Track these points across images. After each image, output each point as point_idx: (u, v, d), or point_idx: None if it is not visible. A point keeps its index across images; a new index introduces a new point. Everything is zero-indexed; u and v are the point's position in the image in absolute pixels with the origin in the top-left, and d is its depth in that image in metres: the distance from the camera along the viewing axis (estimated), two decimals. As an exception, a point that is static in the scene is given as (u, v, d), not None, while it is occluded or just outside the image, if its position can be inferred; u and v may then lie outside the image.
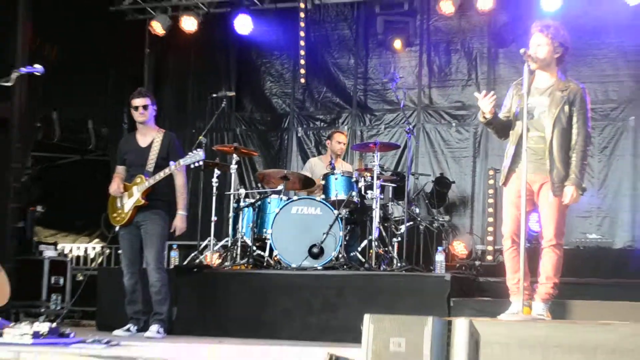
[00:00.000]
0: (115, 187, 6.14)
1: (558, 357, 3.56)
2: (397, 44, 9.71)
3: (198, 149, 6.05)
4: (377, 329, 3.39)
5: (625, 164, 8.88)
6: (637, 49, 9.03)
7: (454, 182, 9.37)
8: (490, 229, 8.84)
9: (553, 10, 8.39)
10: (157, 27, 9.79)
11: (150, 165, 6.06)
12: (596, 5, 8.67)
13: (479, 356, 3.35)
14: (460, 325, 3.34)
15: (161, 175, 5.98)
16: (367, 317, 3.46)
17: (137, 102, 6.04)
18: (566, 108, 4.55)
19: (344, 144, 8.27)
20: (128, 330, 6.13)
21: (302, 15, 9.55)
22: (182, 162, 5.97)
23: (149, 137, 6.17)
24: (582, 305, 5.54)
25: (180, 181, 6.12)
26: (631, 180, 8.85)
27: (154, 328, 6.00)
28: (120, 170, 6.27)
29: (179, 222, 6.13)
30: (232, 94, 9.29)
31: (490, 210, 9.01)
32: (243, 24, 9.58)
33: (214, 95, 8.47)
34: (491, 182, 8.97)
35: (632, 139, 8.87)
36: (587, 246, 8.59)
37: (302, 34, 9.71)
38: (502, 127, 4.87)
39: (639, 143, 8.91)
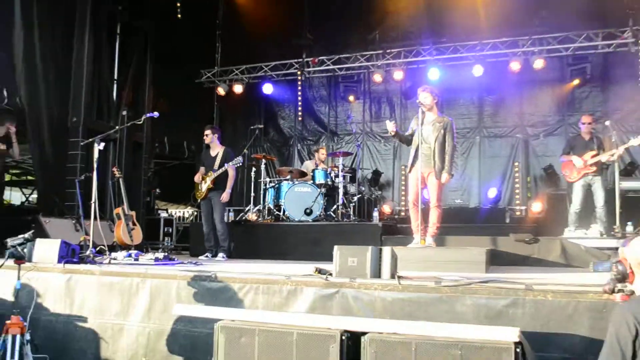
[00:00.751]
0: (198, 177, 7.86)
1: (440, 266, 5.39)
2: (352, 98, 13.22)
3: (239, 157, 7.64)
4: (341, 254, 4.48)
5: (474, 162, 12.63)
6: (478, 99, 12.77)
7: (382, 172, 12.59)
8: (403, 197, 12.10)
9: (434, 79, 11.61)
10: (221, 90, 12.67)
11: (216, 166, 7.73)
12: (457, 76, 11.98)
13: (397, 267, 4.46)
14: (386, 251, 4.41)
15: (220, 171, 7.64)
16: (336, 248, 4.52)
17: (205, 132, 7.93)
18: (442, 131, 6.34)
19: (324, 154, 10.47)
20: (206, 256, 7.64)
21: (299, 82, 12.63)
22: (231, 164, 7.62)
23: (216, 150, 7.85)
24: (453, 239, 7.20)
25: (230, 174, 7.71)
26: (477, 170, 12.54)
27: (220, 255, 7.59)
28: (201, 169, 7.94)
29: (226, 195, 7.70)
30: (261, 126, 11.48)
31: (402, 187, 12.15)
32: (267, 88, 12.62)
33: (252, 127, 10.95)
34: (403, 172, 12.00)
35: (477, 149, 12.64)
36: (455, 206, 11.94)
37: (299, 92, 12.83)
38: (405, 140, 6.59)
39: (481, 152, 12.63)
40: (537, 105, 12.55)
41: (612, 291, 3.10)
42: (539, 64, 11.19)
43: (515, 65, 11.28)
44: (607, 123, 8.11)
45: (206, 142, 7.94)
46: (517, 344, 3.17)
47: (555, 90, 12.40)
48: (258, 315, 3.92)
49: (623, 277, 2.99)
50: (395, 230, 8.59)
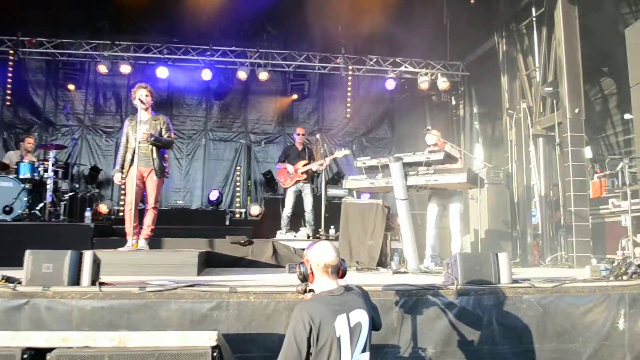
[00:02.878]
0: None
1: (151, 270, 5.17)
2: (72, 87, 12.09)
3: None
4: (34, 259, 4.05)
5: (199, 164, 12.74)
6: (206, 102, 12.95)
7: (102, 169, 11.84)
8: (122, 197, 11.05)
9: (163, 77, 11.38)
10: None
11: None
12: (186, 77, 11.87)
13: (99, 272, 4.20)
14: (87, 255, 4.10)
15: None
16: (27, 252, 4.09)
17: None
18: (159, 129, 6.31)
19: (31, 144, 9.38)
20: None
21: (10, 63, 11.04)
22: None
23: None
24: (170, 241, 7.04)
25: None
26: (201, 172, 12.63)
27: None
28: None
29: None
30: None
31: (123, 186, 12.29)
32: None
33: None
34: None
35: (202, 152, 12.75)
36: (176, 207, 11.65)
37: (10, 74, 11.14)
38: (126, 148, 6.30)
39: (206, 154, 12.76)
40: (261, 114, 13.25)
41: (305, 291, 3.29)
42: (263, 75, 11.72)
43: (242, 75, 11.66)
44: (318, 136, 8.85)
45: None
46: (214, 347, 3.18)
47: (277, 102, 13.23)
48: None
49: (304, 277, 3.20)
50: (111, 231, 8.12)
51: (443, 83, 11.81)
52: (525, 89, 9.61)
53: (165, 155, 6.50)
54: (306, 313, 2.93)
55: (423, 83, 11.87)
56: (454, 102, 12.76)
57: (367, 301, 3.15)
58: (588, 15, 8.50)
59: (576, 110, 8.12)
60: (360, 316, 3.00)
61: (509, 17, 10.07)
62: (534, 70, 9.43)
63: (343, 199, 7.56)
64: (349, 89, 12.59)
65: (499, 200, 8.50)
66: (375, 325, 3.15)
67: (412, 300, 4.23)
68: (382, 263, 6.67)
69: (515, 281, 4.57)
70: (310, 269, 3.15)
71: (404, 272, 5.85)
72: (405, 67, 12.06)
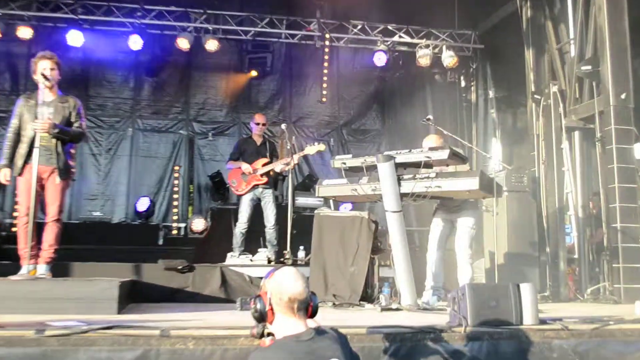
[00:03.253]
0: None
1: (56, 307, 5.11)
2: None
3: None
4: None
5: (123, 162, 12.64)
6: (134, 80, 12.99)
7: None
8: (17, 206, 9.74)
9: (76, 45, 11.27)
10: None
11: None
12: (108, 46, 11.91)
13: None
14: None
15: None
16: None
17: None
18: (67, 116, 6.33)
19: None
20: None
21: None
22: None
23: None
24: (82, 266, 7.15)
25: None
26: (127, 173, 12.55)
27: None
28: None
29: None
30: None
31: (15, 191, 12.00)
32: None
33: None
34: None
35: (129, 146, 12.68)
36: (92, 220, 11.54)
37: None
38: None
39: (134, 150, 12.73)
40: (208, 96, 13.30)
41: (262, 335, 3.24)
42: (212, 45, 11.68)
43: (183, 43, 11.58)
44: (283, 126, 8.85)
45: None
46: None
47: (230, 81, 13.26)
48: None
49: (261, 316, 3.13)
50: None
51: (449, 58, 11.88)
52: (556, 67, 9.68)
53: (72, 151, 6.50)
54: None
55: (423, 58, 11.91)
56: (463, 84, 12.85)
57: (345, 348, 3.09)
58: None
59: (622, 96, 8.17)
60: None
61: (536, -27, 10.13)
62: (567, 43, 9.51)
63: (316, 211, 7.51)
64: (326, 64, 12.53)
65: (522, 214, 8.54)
66: None
67: (407, 347, 4.18)
68: (367, 297, 6.68)
69: (543, 321, 4.56)
70: (270, 304, 3.08)
71: (397, 309, 5.86)
72: (400, 36, 12.14)
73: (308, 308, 3.13)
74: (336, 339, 3.09)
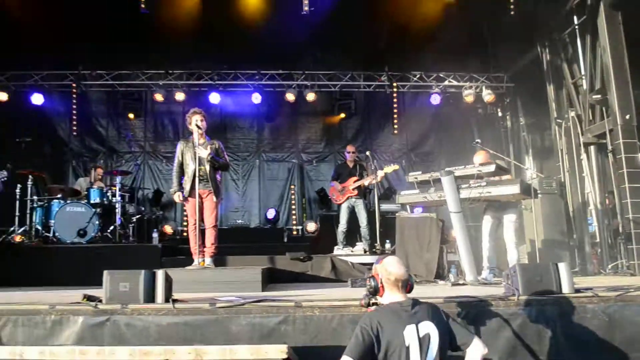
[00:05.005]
0: None
1: (218, 287, 5.39)
2: (132, 115, 12.49)
3: (3, 171, 7.24)
4: (112, 279, 4.23)
5: (254, 184, 12.90)
6: (257, 124, 13.19)
7: (165, 192, 12.03)
8: (185, 218, 10.55)
9: (216, 102, 11.67)
10: None
11: None
12: (237, 101, 12.31)
13: (172, 290, 4.31)
14: (160, 274, 4.25)
15: None
16: (105, 272, 4.27)
17: None
18: (214, 153, 6.42)
19: (100, 173, 9.87)
20: None
21: (74, 95, 11.61)
22: None
23: None
24: (233, 259, 7.35)
25: None
26: (257, 192, 12.80)
27: None
28: None
29: None
30: (30, 139, 9.72)
31: (185, 208, 10.27)
32: (37, 99, 11.13)
33: (18, 139, 9.33)
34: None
35: (257, 172, 12.93)
36: (236, 226, 11.92)
37: (74, 106, 11.75)
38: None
39: (261, 175, 12.94)
40: (310, 133, 13.36)
41: (368, 305, 3.32)
42: (311, 96, 11.82)
43: (290, 96, 11.81)
44: (368, 153, 8.87)
45: None
46: (285, 360, 3.19)
47: (326, 121, 13.30)
48: (11, 351, 3.37)
49: (375, 291, 3.21)
50: (177, 251, 8.37)
51: (488, 95, 11.65)
52: (572, 97, 9.38)
53: (219, 178, 6.67)
54: (375, 319, 3.02)
55: (468, 96, 11.73)
56: (500, 114, 12.52)
57: (437, 315, 3.14)
58: (633, 21, 8.23)
59: (627, 117, 7.86)
60: (429, 328, 3.01)
61: (550, 26, 9.87)
62: (580, 78, 9.20)
63: (397, 214, 7.53)
64: (395, 105, 12.52)
65: (553, 210, 8.27)
66: (452, 343, 3.12)
67: (474, 312, 4.16)
68: (439, 275, 6.63)
69: (577, 291, 4.44)
70: (381, 282, 3.16)
71: (463, 284, 5.79)
72: (449, 81, 11.97)
73: (407, 285, 3.21)
74: (429, 307, 3.16)
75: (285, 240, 11.05)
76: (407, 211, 8.47)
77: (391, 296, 3.17)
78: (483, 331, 4.10)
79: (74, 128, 12.12)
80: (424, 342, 2.98)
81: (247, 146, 13.15)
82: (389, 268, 3.15)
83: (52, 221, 8.54)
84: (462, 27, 10.52)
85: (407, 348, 2.93)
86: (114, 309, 4.10)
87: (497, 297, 4.30)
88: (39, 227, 8.72)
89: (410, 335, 2.97)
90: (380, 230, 8.23)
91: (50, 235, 8.58)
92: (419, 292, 4.97)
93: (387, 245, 8.47)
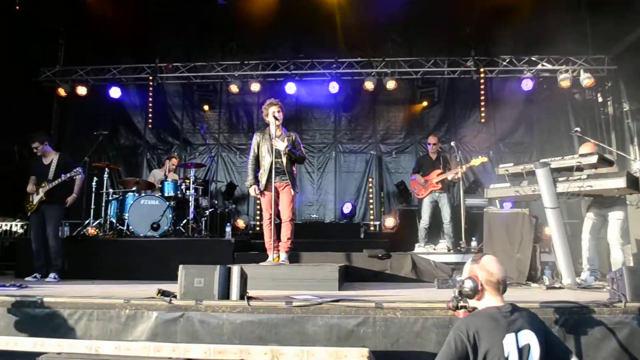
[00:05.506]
0: (31, 187, 7.30)
1: (293, 285, 5.46)
2: (206, 107, 12.86)
3: (78, 167, 7.13)
4: (187, 274, 4.27)
5: (330, 177, 12.86)
6: (334, 115, 13.04)
7: (237, 185, 12.37)
8: (258, 212, 11.71)
9: (291, 92, 11.70)
10: (62, 91, 11.80)
11: (51, 175, 7.26)
12: (314, 91, 12.28)
13: (247, 286, 4.38)
14: (235, 270, 4.30)
15: (56, 182, 7.13)
16: (181, 267, 4.32)
17: (33, 145, 7.39)
18: (290, 145, 6.50)
19: (175, 164, 10.32)
20: (35, 277, 7.04)
21: (151, 87, 12.07)
22: (68, 175, 7.08)
23: (49, 157, 7.38)
24: (308, 255, 7.33)
25: (77, 179, 7.31)
26: (333, 185, 12.77)
27: (51, 275, 7.00)
28: (32, 178, 7.35)
29: (71, 199, 7.40)
30: (107, 132, 10.40)
31: (258, 201, 10.70)
32: (115, 92, 11.83)
33: (96, 132, 9.75)
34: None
35: (333, 164, 12.87)
36: (310, 221, 12.05)
37: (151, 98, 12.22)
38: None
39: (337, 167, 12.87)
40: (390, 123, 13.13)
41: (456, 308, 3.17)
42: (391, 84, 11.67)
43: (369, 85, 11.69)
44: (452, 143, 8.61)
45: (37, 154, 7.42)
46: (366, 366, 3.11)
47: (406, 111, 13.05)
48: (88, 346, 3.49)
49: (474, 293, 3.04)
50: (249, 246, 8.50)
51: (587, 79, 11.02)
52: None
53: (295, 170, 6.71)
54: (472, 325, 2.87)
55: (564, 81, 11.15)
56: (600, 100, 11.78)
57: (537, 324, 2.96)
58: None
59: None
60: (530, 338, 2.84)
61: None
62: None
63: (485, 209, 7.25)
64: (482, 92, 12.07)
65: (663, 206, 7.65)
66: (554, 351, 2.93)
67: (574, 319, 3.93)
68: (532, 277, 6.31)
69: (695, 298, 4.07)
70: (481, 284, 3.00)
71: (559, 288, 5.49)
72: (543, 65, 11.43)
73: (505, 289, 3.05)
74: (529, 314, 2.98)
75: (362, 236, 10.94)
76: (495, 206, 8.15)
77: (489, 300, 3.00)
78: (584, 341, 3.86)
79: (150, 121, 12.58)
80: (523, 353, 2.83)
81: (323, 137, 13.15)
82: (491, 268, 2.99)
83: (127, 214, 8.88)
84: (557, 5, 9.95)
85: (506, 359, 2.77)
86: (188, 305, 4.19)
87: (600, 303, 4.03)
88: (114, 220, 9.10)
89: (509, 344, 2.82)
90: (465, 226, 8.02)
91: (124, 228, 8.96)
92: (509, 295, 4.79)
93: (473, 244, 8.21)
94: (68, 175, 7.07)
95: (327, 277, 5.58)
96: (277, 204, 6.47)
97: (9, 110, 10.27)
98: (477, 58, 11.70)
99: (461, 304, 3.20)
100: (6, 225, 11.28)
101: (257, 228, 11.67)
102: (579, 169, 5.70)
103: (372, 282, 6.66)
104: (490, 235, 6.67)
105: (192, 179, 9.31)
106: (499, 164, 6.77)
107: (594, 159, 5.63)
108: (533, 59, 11.45)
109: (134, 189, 9.34)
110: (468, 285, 3.08)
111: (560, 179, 5.73)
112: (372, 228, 12.10)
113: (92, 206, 9.35)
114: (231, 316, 4.11)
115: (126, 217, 8.91)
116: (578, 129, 7.22)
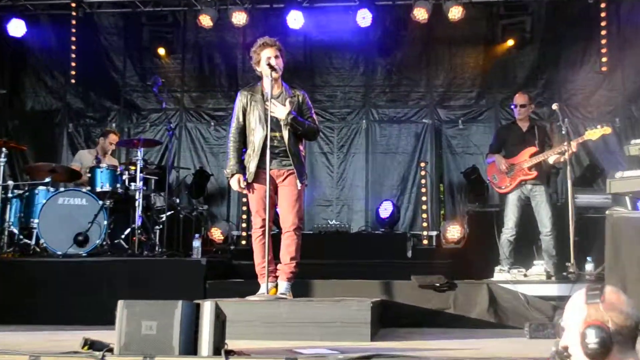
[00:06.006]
0: None
1: (300, 332, 5.39)
2: (162, 51, 12.86)
3: None
4: (130, 314, 4.25)
5: (358, 162, 12.81)
6: (364, 63, 13.02)
7: (212, 174, 12.51)
8: (244, 216, 11.71)
9: (297, 27, 11.77)
10: None
11: None
12: (333, 26, 12.23)
13: (225, 335, 4.41)
14: (207, 308, 4.30)
15: None
16: (120, 303, 4.31)
17: None
18: (296, 112, 6.55)
19: (114, 142, 10.46)
20: None
21: (73, 22, 12.05)
22: None
23: None
24: (321, 284, 7.44)
25: None
26: (364, 175, 12.68)
27: None
28: None
29: None
30: (4, 91, 10.96)
31: (244, 198, 11.01)
32: (16, 27, 11.78)
33: None
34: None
35: (364, 141, 12.83)
36: (328, 231, 11.77)
37: (73, 39, 12.27)
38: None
39: (370, 146, 12.86)
40: (454, 75, 13.14)
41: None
42: (456, 12, 11.66)
43: (420, 13, 11.68)
44: (554, 106, 8.50)
45: None
46: None
47: (481, 55, 13.04)
48: None
49: (604, 350, 2.86)
50: (230, 269, 8.72)
51: None
52: None
53: (303, 152, 6.70)
54: None
55: None
56: None
57: None
58: None
59: None
60: None
61: None
62: None
63: (607, 212, 7.14)
64: (604, 23, 12.03)
65: None
66: None
67: None
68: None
69: None
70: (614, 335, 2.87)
71: None
72: None
73: None
74: None
75: (409, 254, 11.03)
76: (625, 206, 8.04)
77: (622, 357, 2.89)
78: None
79: (72, 73, 12.63)
80: None
81: (348, 98, 13.18)
82: (624, 307, 2.85)
83: (36, 220, 8.89)
84: None
85: None
86: (131, 365, 4.16)
87: None
88: (15, 230, 9.09)
89: None
90: (575, 239, 7.89)
91: (32, 242, 8.95)
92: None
93: (589, 266, 8.11)
94: None
95: (352, 320, 5.58)
96: (274, 204, 6.48)
97: None
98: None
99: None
100: None
101: (243, 242, 11.79)
102: None
103: (425, 328, 6.69)
104: (616, 253, 6.58)
105: (139, 165, 9.33)
106: (629, 139, 6.68)
107: None
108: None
109: (47, 180, 9.29)
110: (593, 336, 2.88)
111: None
112: (425, 242, 12.08)
113: (-18, 208, 9.28)
114: (200, 384, 4.10)
115: (35, 225, 8.91)
116: None
